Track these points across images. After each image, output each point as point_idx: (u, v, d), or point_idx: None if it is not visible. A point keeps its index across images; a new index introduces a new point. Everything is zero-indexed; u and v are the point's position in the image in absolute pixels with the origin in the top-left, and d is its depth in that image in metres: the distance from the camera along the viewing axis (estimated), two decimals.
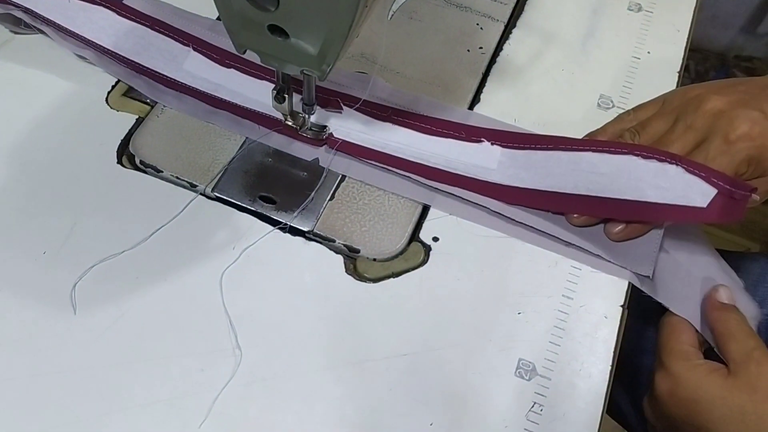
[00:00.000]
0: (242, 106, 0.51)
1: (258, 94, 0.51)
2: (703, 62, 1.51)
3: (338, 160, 0.49)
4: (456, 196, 0.47)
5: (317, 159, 0.49)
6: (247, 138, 0.49)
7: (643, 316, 0.62)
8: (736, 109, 0.43)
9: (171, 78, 0.51)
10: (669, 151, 0.43)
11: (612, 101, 0.53)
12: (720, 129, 0.43)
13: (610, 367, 0.42)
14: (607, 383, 0.42)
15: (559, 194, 0.45)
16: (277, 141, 0.49)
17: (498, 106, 0.53)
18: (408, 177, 0.48)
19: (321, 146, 0.49)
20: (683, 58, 0.55)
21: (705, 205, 0.40)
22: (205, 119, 0.50)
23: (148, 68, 0.52)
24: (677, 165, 0.41)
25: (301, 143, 0.49)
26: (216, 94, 0.51)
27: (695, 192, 0.41)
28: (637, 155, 0.42)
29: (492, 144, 0.49)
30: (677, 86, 0.54)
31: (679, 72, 0.55)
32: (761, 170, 0.44)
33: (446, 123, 0.50)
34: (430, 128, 0.50)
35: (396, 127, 0.50)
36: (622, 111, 0.52)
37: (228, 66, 0.53)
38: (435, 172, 0.48)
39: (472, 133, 0.50)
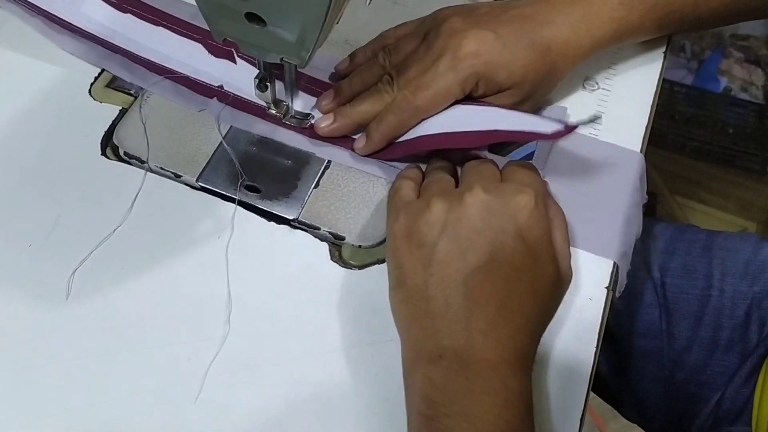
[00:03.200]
0: (136, 53, 0.52)
1: (152, 41, 0.52)
2: (699, 41, 1.50)
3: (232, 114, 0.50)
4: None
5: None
6: (231, 126, 0.49)
7: (633, 300, 0.63)
8: (469, 29, 0.45)
9: (67, 21, 0.52)
10: (411, 68, 0.45)
11: (597, 83, 0.53)
12: (451, 47, 0.45)
13: (594, 349, 0.42)
14: (592, 365, 0.42)
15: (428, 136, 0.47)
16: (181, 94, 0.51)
17: None
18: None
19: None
20: (668, 40, 0.55)
21: (550, 132, 0.43)
22: (98, 64, 0.51)
23: (44, 10, 0.53)
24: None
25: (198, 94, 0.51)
26: (111, 41, 0.52)
27: (543, 126, 0.43)
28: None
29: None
30: (662, 68, 0.54)
31: (664, 52, 0.55)
32: (495, 87, 0.46)
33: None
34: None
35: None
36: (608, 93, 0.52)
37: (125, 11, 0.54)
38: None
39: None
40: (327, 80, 0.52)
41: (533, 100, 0.48)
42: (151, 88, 0.51)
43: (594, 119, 0.47)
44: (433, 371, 0.37)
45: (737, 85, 1.46)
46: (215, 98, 0.50)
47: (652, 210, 1.31)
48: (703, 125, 1.43)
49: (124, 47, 0.52)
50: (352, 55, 0.51)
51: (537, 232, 0.40)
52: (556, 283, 0.41)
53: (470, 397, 0.36)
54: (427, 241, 0.39)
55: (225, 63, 0.52)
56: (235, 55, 0.52)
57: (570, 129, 0.42)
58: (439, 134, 0.45)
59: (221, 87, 0.51)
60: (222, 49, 0.52)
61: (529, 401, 0.38)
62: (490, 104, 0.46)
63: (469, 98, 0.46)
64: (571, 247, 0.43)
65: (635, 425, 0.69)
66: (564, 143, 0.49)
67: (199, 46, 0.53)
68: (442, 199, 0.40)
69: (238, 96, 0.51)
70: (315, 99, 0.50)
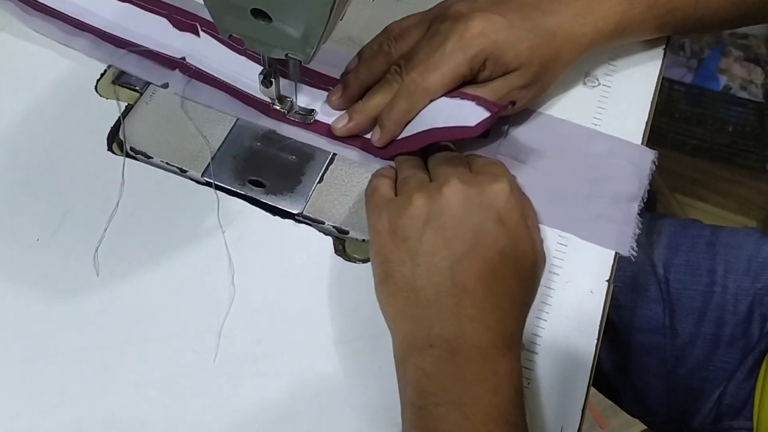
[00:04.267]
0: (102, 29, 0.53)
1: (117, 16, 0.54)
2: (698, 40, 1.51)
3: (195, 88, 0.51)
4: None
5: (166, 84, 0.51)
6: (237, 120, 0.50)
7: (637, 295, 0.63)
8: (475, 12, 0.46)
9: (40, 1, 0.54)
10: (418, 56, 0.46)
11: (597, 79, 0.53)
12: (457, 28, 0.45)
13: (596, 341, 0.43)
14: (593, 357, 0.42)
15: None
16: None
17: None
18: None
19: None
20: (667, 38, 0.56)
21: (474, 125, 0.44)
22: (64, 42, 0.52)
23: None
24: (461, 98, 0.46)
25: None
26: (80, 18, 0.53)
27: (471, 115, 0.45)
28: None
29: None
30: (662, 65, 0.55)
31: (664, 49, 0.55)
32: (502, 66, 0.46)
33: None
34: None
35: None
36: (608, 89, 0.53)
37: None
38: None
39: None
40: (329, 74, 0.52)
41: (539, 86, 0.48)
42: (116, 63, 0.52)
43: (511, 103, 0.48)
44: (424, 361, 0.38)
45: (737, 83, 1.46)
46: (177, 69, 0.51)
47: (652, 208, 1.31)
48: (703, 123, 1.43)
49: (91, 23, 0.53)
50: (359, 53, 0.52)
51: (515, 216, 0.41)
52: (536, 264, 0.42)
53: (461, 384, 0.37)
54: (412, 235, 0.40)
55: (189, 36, 0.53)
56: (199, 29, 0.54)
57: (493, 114, 0.44)
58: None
59: (183, 59, 0.52)
60: (186, 23, 0.54)
61: (518, 385, 0.38)
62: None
63: (473, 82, 0.47)
64: (572, 239, 0.44)
65: (635, 422, 0.69)
66: (565, 132, 0.50)
67: (164, 20, 0.54)
68: (422, 193, 0.41)
69: (200, 69, 0.52)
70: (319, 93, 0.51)
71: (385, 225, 0.41)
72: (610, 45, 0.51)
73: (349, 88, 0.49)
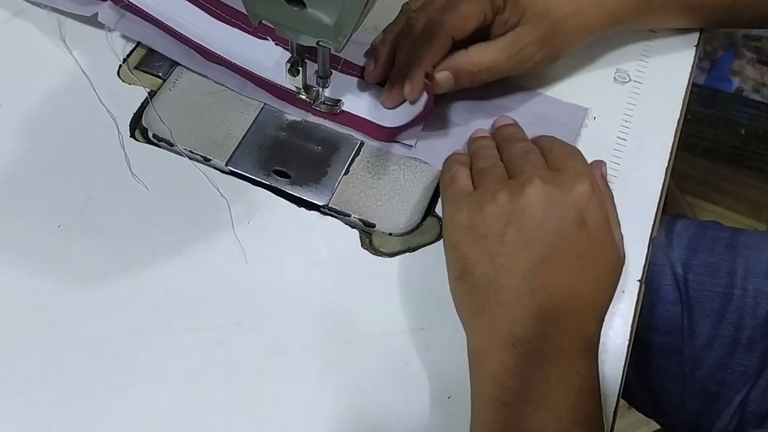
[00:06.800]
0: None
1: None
2: (711, 41, 1.50)
3: (130, 23, 0.50)
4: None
5: (96, 14, 0.51)
6: (262, 109, 0.49)
7: (655, 296, 0.63)
8: None
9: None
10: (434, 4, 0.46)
11: (629, 75, 0.52)
12: None
13: (627, 342, 0.42)
14: (625, 357, 0.42)
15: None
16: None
17: (517, 78, 0.52)
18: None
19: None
20: (700, 33, 0.55)
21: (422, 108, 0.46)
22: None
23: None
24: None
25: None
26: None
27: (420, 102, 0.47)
28: None
29: (276, 44, 0.51)
30: (694, 61, 0.54)
31: (696, 46, 0.54)
32: (519, 11, 0.46)
33: (237, 12, 0.52)
34: (220, 14, 0.52)
35: (187, 3, 0.52)
36: (639, 85, 0.52)
37: None
38: (214, 56, 0.50)
39: (259, 29, 0.51)
40: (358, 63, 0.51)
41: (552, 48, 0.48)
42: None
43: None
44: (507, 358, 0.38)
45: (749, 85, 1.46)
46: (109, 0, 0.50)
47: (662, 209, 1.31)
48: (715, 125, 1.42)
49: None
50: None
51: (597, 219, 0.40)
52: (616, 266, 0.42)
53: (546, 384, 0.37)
54: (493, 233, 0.40)
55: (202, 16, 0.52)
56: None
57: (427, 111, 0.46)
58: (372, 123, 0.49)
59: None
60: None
61: (598, 387, 0.39)
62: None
63: (487, 32, 0.47)
64: None
65: (643, 424, 0.69)
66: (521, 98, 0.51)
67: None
68: (504, 191, 0.40)
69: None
70: (348, 81, 0.50)
71: (464, 219, 0.41)
72: (638, 23, 0.50)
73: (379, 56, 0.49)
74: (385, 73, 0.49)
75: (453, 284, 0.42)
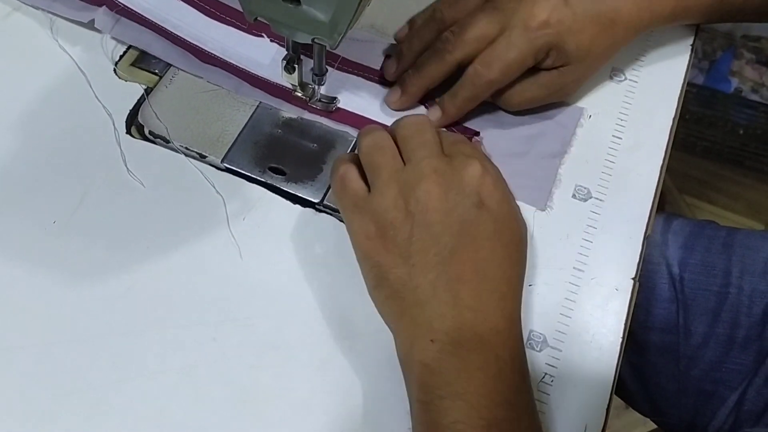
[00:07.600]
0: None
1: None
2: (710, 42, 1.50)
3: (125, 28, 0.51)
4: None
5: (92, 21, 0.51)
6: (258, 106, 0.49)
7: (651, 294, 0.63)
8: None
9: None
10: (475, 27, 0.46)
11: (624, 74, 0.52)
12: (522, 14, 0.45)
13: (621, 339, 0.42)
14: (618, 355, 0.42)
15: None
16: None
17: None
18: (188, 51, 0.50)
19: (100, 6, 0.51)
20: (695, 32, 0.55)
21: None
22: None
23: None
24: None
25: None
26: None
27: None
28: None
29: (271, 41, 0.51)
30: (689, 60, 0.54)
31: (692, 45, 0.54)
32: (563, 58, 0.46)
33: (232, 10, 0.52)
34: (215, 12, 0.52)
35: (180, 2, 0.52)
36: (635, 84, 0.52)
37: None
38: (209, 56, 0.51)
39: (254, 27, 0.51)
40: (363, 63, 0.52)
41: (592, 71, 0.49)
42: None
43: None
44: (427, 357, 0.38)
45: (748, 86, 1.46)
46: (104, 6, 0.51)
47: (661, 209, 1.31)
48: (714, 125, 1.43)
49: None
50: (411, 21, 0.51)
51: (496, 197, 0.41)
52: (524, 237, 0.42)
53: (464, 375, 0.37)
54: (400, 235, 0.39)
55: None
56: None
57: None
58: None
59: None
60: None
61: (522, 367, 0.39)
62: None
63: (534, 69, 0.47)
64: (597, 236, 0.45)
65: (640, 423, 0.69)
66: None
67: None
68: (400, 193, 0.40)
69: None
70: (348, 80, 0.50)
71: (371, 229, 0.40)
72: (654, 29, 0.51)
73: (402, 60, 0.49)
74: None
75: (371, 293, 0.41)
